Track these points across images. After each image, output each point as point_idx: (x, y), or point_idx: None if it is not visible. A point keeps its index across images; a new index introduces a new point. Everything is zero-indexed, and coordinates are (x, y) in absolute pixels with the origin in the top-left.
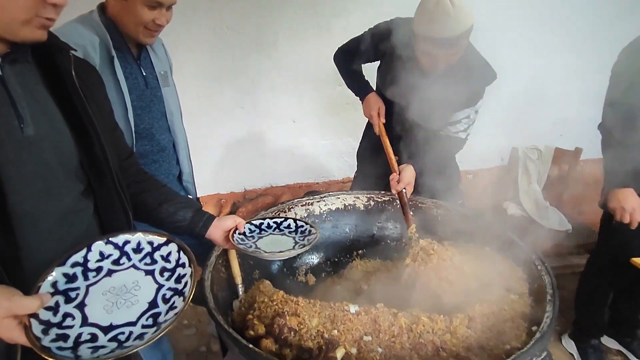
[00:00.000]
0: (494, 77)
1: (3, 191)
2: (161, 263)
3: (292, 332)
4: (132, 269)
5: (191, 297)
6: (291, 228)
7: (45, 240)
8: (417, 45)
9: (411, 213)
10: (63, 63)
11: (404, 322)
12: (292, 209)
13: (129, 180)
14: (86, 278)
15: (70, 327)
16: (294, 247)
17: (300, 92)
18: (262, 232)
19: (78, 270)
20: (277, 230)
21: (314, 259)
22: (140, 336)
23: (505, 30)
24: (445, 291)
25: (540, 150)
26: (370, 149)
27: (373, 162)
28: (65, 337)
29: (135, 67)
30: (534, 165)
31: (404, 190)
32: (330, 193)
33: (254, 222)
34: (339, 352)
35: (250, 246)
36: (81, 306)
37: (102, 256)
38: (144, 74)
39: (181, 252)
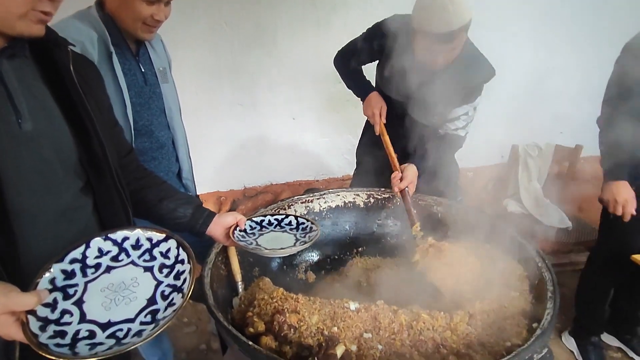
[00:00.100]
0: (493, 74)
1: (1, 187)
2: (160, 259)
3: (292, 329)
4: (130, 265)
5: (190, 293)
6: (292, 225)
7: (43, 236)
8: (416, 41)
9: (415, 211)
10: (61, 58)
11: (404, 319)
12: (291, 207)
13: (129, 177)
14: (84, 275)
15: (68, 323)
16: (294, 244)
17: (299, 89)
18: (263, 229)
19: (76, 266)
20: (278, 227)
21: (314, 256)
22: (139, 333)
23: (505, 27)
24: (450, 288)
25: (540, 148)
26: (369, 147)
27: (372, 159)
28: (63, 334)
29: (134, 64)
30: (534, 162)
31: (406, 188)
32: (330, 190)
33: (254, 219)
34: (339, 349)
35: (251, 243)
36: (79, 303)
37: (101, 252)
38: (143, 70)
39: (180, 249)
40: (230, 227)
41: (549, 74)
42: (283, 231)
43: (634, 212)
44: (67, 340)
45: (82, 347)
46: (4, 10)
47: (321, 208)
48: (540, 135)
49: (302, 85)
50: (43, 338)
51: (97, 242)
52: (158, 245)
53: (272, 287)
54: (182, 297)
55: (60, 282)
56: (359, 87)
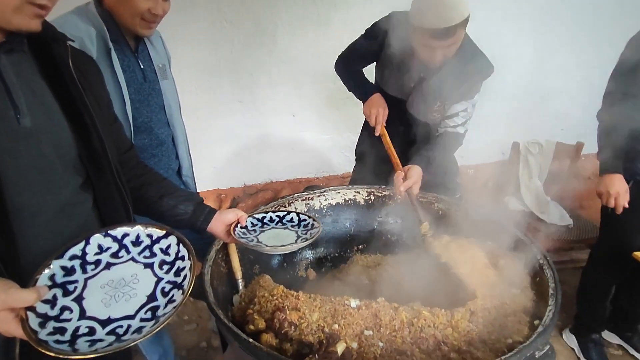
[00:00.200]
0: (492, 71)
1: None
2: (160, 256)
3: (293, 327)
4: (130, 262)
5: (190, 290)
6: (294, 222)
7: (43, 232)
8: (415, 37)
9: (421, 210)
10: (60, 54)
11: (405, 317)
12: (292, 204)
13: (129, 173)
14: (84, 271)
15: (68, 320)
16: (296, 241)
17: (299, 86)
18: (264, 226)
19: (76, 263)
20: (279, 224)
21: (315, 253)
22: (139, 330)
23: (506, 24)
24: (473, 282)
25: (541, 145)
26: (369, 143)
27: (372, 156)
28: (62, 331)
29: (133, 60)
30: (535, 159)
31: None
32: (331, 188)
33: (256, 215)
34: (340, 347)
35: (252, 240)
36: (79, 299)
37: (101, 249)
38: (142, 66)
39: (180, 245)
40: (231, 224)
41: (549, 71)
42: (284, 228)
43: (627, 205)
44: (67, 336)
45: (82, 344)
46: None
47: (321, 205)
48: (541, 133)
49: (302, 82)
50: (43, 334)
51: (96, 238)
52: (158, 242)
53: (272, 284)
54: (183, 293)
55: (59, 279)
56: (361, 89)
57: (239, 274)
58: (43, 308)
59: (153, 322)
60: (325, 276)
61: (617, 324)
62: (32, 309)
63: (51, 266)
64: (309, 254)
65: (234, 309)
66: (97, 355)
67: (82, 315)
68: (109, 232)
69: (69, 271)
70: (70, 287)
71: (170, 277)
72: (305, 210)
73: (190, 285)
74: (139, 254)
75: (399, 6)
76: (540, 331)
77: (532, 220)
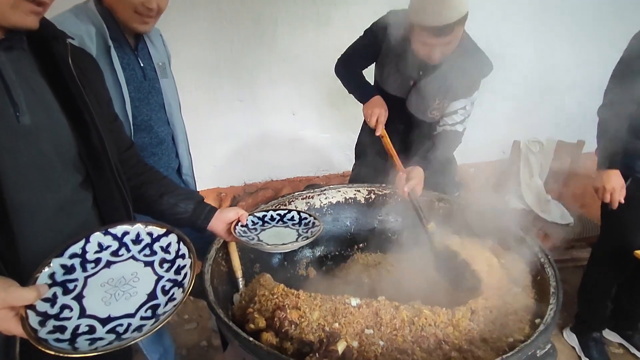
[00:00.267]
0: (491, 69)
1: None
2: (161, 254)
3: (293, 326)
4: (131, 260)
5: (190, 288)
6: (295, 220)
7: (42, 231)
8: (413, 35)
9: (423, 211)
10: (59, 51)
11: (405, 315)
12: (292, 203)
13: (129, 172)
14: (84, 269)
15: (68, 318)
16: (297, 239)
17: (300, 85)
18: (265, 224)
19: (76, 261)
20: (280, 222)
21: (315, 252)
22: (139, 328)
23: (507, 21)
24: (487, 279)
25: (542, 143)
26: (368, 142)
27: (372, 155)
28: (62, 329)
29: (133, 58)
30: (536, 158)
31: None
32: (331, 186)
33: (256, 214)
34: (340, 345)
35: (253, 238)
36: (79, 298)
37: (101, 247)
38: (142, 65)
39: (181, 243)
40: (232, 222)
41: (550, 69)
42: (285, 226)
43: (622, 201)
44: (67, 335)
45: (82, 342)
46: None
47: (322, 204)
48: (542, 131)
49: (302, 81)
50: (42, 333)
51: (97, 236)
52: (158, 240)
53: (272, 283)
54: (183, 292)
55: (59, 277)
56: (361, 90)
57: (239, 273)
58: (43, 306)
59: (153, 320)
60: (325, 275)
61: (618, 322)
62: (32, 307)
63: (51, 264)
64: (310, 253)
65: (234, 308)
66: (97, 354)
67: (82, 313)
68: (109, 230)
69: (69, 269)
70: (70, 286)
71: (171, 275)
72: (306, 209)
73: (191, 283)
74: (139, 252)
75: (399, 4)
76: (541, 330)
77: (533, 219)
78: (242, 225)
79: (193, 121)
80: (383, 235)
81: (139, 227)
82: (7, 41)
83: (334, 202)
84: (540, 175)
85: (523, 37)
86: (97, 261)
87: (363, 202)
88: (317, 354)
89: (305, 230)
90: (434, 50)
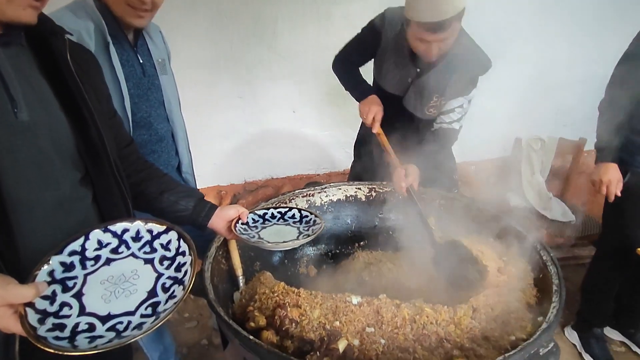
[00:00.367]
0: (489, 66)
1: None
2: (161, 251)
3: (294, 324)
4: (131, 257)
5: (191, 285)
6: (295, 218)
7: (41, 228)
8: (410, 32)
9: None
10: (58, 47)
11: (407, 313)
12: (293, 200)
13: (129, 169)
14: (84, 267)
15: (68, 316)
16: (297, 237)
17: (300, 82)
18: (266, 222)
19: (76, 258)
20: (281, 220)
21: (316, 250)
22: (139, 326)
23: (509, 19)
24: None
25: (543, 141)
26: (367, 140)
27: (370, 152)
28: (62, 327)
29: (132, 54)
30: (537, 155)
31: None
32: (332, 184)
33: (257, 212)
34: (341, 344)
35: (253, 236)
36: (79, 295)
37: (101, 244)
38: (141, 61)
39: (181, 240)
40: (233, 220)
41: (552, 66)
42: (286, 224)
43: (619, 193)
44: (67, 333)
45: (81, 340)
46: None
47: (322, 202)
48: (544, 129)
49: (303, 78)
50: (42, 331)
51: (96, 234)
52: (159, 237)
53: (273, 281)
54: (183, 289)
55: (59, 275)
56: (358, 89)
57: (239, 271)
58: (42, 304)
59: (154, 318)
60: (326, 273)
61: (620, 320)
62: (31, 305)
63: (50, 262)
64: (310, 251)
65: (235, 306)
66: (96, 352)
67: (82, 311)
68: (108, 227)
69: (69, 267)
70: (70, 283)
71: (171, 272)
72: (307, 206)
73: (191, 280)
74: (139, 249)
75: (398, 2)
76: (544, 328)
77: (534, 217)
78: (242, 223)
79: (193, 119)
80: (384, 233)
81: (138, 225)
82: (5, 37)
83: (335, 200)
84: (541, 172)
85: (525, 34)
86: (96, 258)
87: (364, 199)
88: (317, 353)
89: (306, 228)
90: (430, 47)
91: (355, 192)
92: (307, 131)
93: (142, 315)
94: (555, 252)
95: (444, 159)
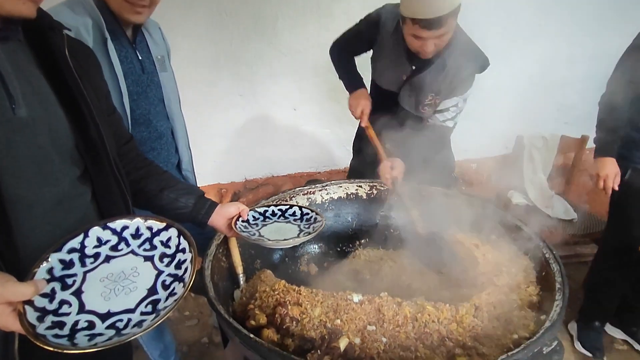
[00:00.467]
0: (487, 65)
1: None
2: (161, 249)
3: (294, 322)
4: (130, 254)
5: (191, 282)
6: (296, 215)
7: (40, 225)
8: (406, 28)
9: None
10: (56, 43)
11: (408, 312)
12: (293, 198)
13: (129, 166)
14: (83, 264)
15: (67, 314)
16: (298, 234)
17: (300, 80)
18: (267, 219)
19: (75, 256)
20: (281, 217)
21: (316, 248)
22: (139, 323)
23: (510, 18)
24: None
25: (545, 138)
26: (366, 137)
27: (369, 150)
28: (61, 325)
29: (131, 51)
30: (539, 153)
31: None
32: (332, 182)
33: (258, 209)
34: (342, 342)
35: (254, 234)
36: (78, 293)
37: (100, 242)
38: (140, 58)
39: (181, 237)
40: (233, 217)
41: (553, 64)
42: (287, 222)
43: (616, 188)
44: (66, 331)
45: (81, 338)
46: None
47: (323, 200)
48: (545, 126)
49: (303, 75)
50: (41, 329)
51: (95, 231)
52: (158, 234)
53: (273, 279)
54: (184, 286)
55: (58, 272)
56: (350, 79)
57: (239, 269)
58: (41, 302)
59: (154, 315)
60: (327, 271)
61: (622, 318)
62: (30, 302)
63: (49, 259)
64: (311, 249)
65: (235, 304)
66: (96, 350)
67: (81, 309)
68: (108, 224)
69: (68, 264)
70: (69, 281)
71: (171, 269)
72: (307, 204)
73: (192, 277)
74: (139, 246)
75: None
76: (547, 326)
77: (536, 215)
78: (243, 221)
79: (194, 117)
80: (385, 231)
81: (138, 222)
82: (2, 31)
83: (336, 198)
84: (543, 170)
85: (526, 32)
86: (96, 256)
87: (365, 197)
88: (318, 351)
89: (307, 226)
90: (426, 44)
91: (357, 189)
92: (307, 129)
93: (142, 313)
94: (558, 250)
95: (441, 156)
